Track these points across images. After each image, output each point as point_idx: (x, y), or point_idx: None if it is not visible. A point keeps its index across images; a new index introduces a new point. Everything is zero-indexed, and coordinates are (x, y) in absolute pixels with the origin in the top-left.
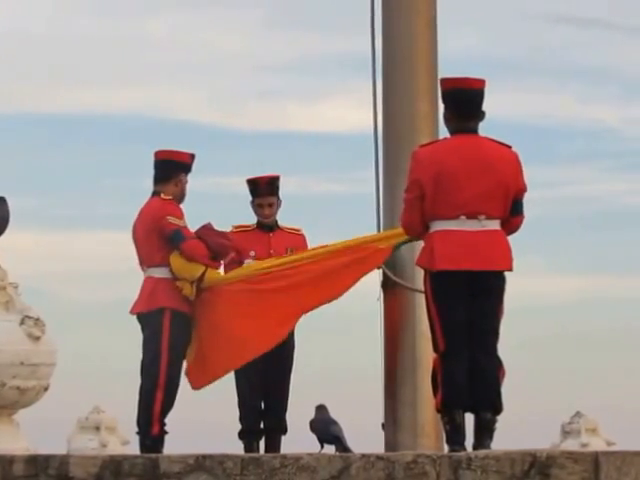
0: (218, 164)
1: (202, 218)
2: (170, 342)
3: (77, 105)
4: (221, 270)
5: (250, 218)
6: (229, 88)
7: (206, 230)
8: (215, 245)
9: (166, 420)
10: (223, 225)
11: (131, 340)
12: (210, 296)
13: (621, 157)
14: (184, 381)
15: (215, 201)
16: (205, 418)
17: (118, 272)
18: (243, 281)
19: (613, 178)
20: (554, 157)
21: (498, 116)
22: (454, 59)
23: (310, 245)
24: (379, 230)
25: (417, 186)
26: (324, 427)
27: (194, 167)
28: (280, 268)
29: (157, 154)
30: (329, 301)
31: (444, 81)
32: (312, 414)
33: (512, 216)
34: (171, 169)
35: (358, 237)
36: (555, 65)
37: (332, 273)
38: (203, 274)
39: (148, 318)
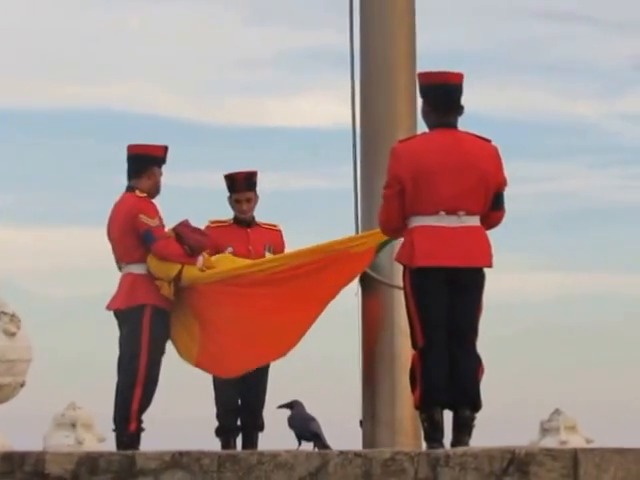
0: (195, 160)
1: (179, 214)
2: (150, 339)
3: (51, 100)
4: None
5: (228, 213)
6: (207, 83)
7: (183, 227)
8: (191, 241)
9: (143, 417)
10: (201, 220)
11: (108, 336)
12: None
13: (602, 153)
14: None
15: (193, 196)
16: (182, 415)
17: (95, 268)
18: (227, 283)
19: (594, 174)
20: (535, 153)
21: (479, 111)
22: (434, 54)
23: (287, 241)
24: (357, 226)
25: (396, 182)
26: (303, 424)
27: (170, 161)
28: (261, 274)
29: (129, 148)
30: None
31: (422, 75)
32: (288, 411)
33: (492, 210)
34: (144, 163)
35: (336, 240)
36: (537, 60)
37: (312, 292)
38: (179, 273)
39: (127, 314)
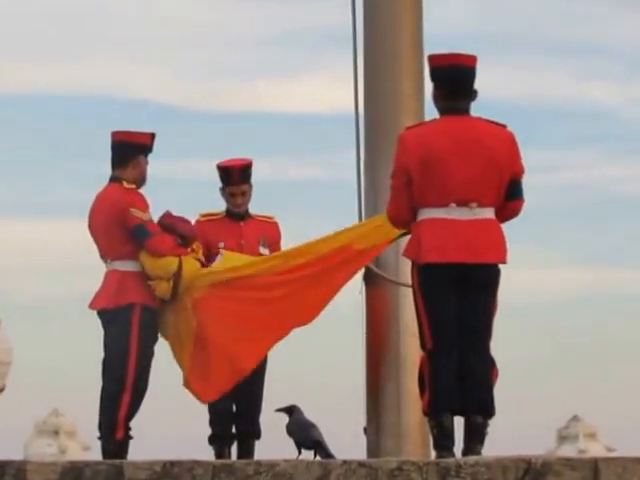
0: (183, 147)
1: (165, 206)
2: (139, 340)
3: (29, 83)
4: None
5: (219, 204)
6: (196, 65)
7: (168, 216)
8: (183, 230)
9: (131, 424)
10: (189, 214)
11: (92, 338)
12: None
13: (620, 141)
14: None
15: (181, 187)
16: (172, 422)
17: (77, 265)
18: (227, 286)
19: (612, 163)
20: (549, 140)
21: (488, 96)
22: (441, 34)
23: (283, 236)
24: (360, 218)
25: (403, 172)
26: (303, 430)
27: (156, 150)
28: (264, 274)
29: (114, 135)
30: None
31: (432, 58)
32: (286, 416)
33: (509, 200)
34: (129, 151)
35: (339, 232)
36: (551, 41)
37: (316, 288)
38: (180, 266)
39: (115, 314)
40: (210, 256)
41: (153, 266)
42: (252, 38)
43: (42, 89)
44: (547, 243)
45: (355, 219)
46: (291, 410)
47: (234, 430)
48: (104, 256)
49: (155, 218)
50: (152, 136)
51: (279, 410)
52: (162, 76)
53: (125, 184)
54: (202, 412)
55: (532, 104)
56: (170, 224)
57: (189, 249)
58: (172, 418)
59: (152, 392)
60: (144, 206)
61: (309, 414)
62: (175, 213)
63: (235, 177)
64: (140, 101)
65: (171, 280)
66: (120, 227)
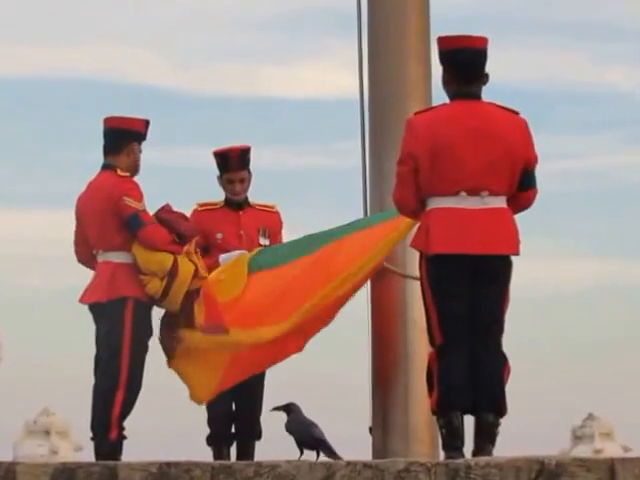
0: (180, 134)
1: (161, 196)
2: (133, 335)
3: (18, 66)
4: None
5: (218, 195)
6: (195, 48)
7: (166, 212)
8: (182, 228)
9: (125, 424)
10: (186, 204)
11: (84, 333)
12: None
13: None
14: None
15: (179, 175)
16: (168, 421)
17: (67, 257)
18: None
19: (630, 149)
20: (563, 126)
21: (499, 80)
22: (449, 15)
23: (285, 225)
24: (366, 207)
25: (411, 158)
26: (304, 429)
27: (151, 137)
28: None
29: (106, 121)
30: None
31: (441, 40)
32: (284, 415)
33: (522, 190)
34: (123, 138)
35: (346, 234)
36: (567, 22)
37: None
38: (175, 265)
39: (107, 308)
40: (208, 247)
41: (146, 260)
42: (253, 21)
43: (38, 73)
44: (561, 233)
45: (360, 209)
46: (289, 408)
47: (233, 430)
48: (94, 247)
49: (152, 211)
50: (146, 123)
51: (276, 409)
52: (160, 60)
53: (119, 172)
54: (200, 410)
55: (546, 88)
56: (168, 220)
57: (185, 248)
58: (168, 417)
59: (147, 389)
60: (139, 196)
61: (311, 413)
62: (174, 208)
63: (233, 163)
64: (137, 86)
65: (165, 279)
66: (114, 216)
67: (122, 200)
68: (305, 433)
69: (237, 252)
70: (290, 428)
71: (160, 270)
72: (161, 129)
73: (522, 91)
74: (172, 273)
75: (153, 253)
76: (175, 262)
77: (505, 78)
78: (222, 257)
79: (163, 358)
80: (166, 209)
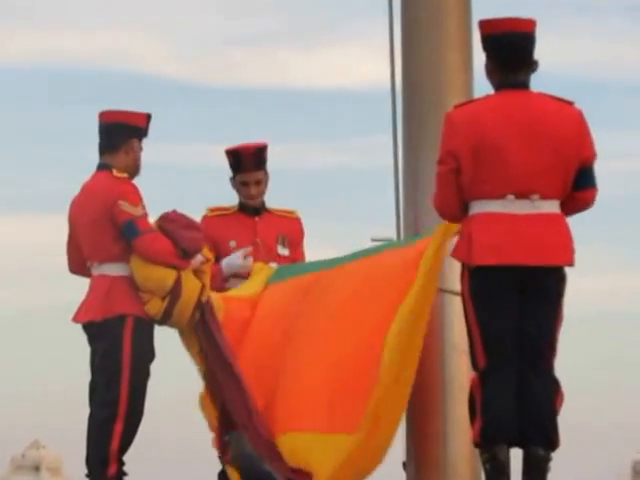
0: (191, 131)
1: (167, 201)
2: (133, 358)
3: (5, 54)
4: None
5: (232, 198)
6: (204, 33)
7: (169, 221)
8: (185, 242)
9: (125, 458)
10: (196, 208)
11: (77, 356)
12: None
13: None
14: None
15: (186, 177)
16: (173, 453)
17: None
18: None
19: None
20: (624, 120)
21: (550, 68)
22: None
23: (306, 233)
24: (397, 210)
25: (451, 157)
26: (253, 463)
27: (157, 132)
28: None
29: (102, 116)
30: None
31: (484, 24)
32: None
33: (578, 190)
34: (121, 134)
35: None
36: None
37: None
38: (178, 283)
39: (103, 328)
40: (219, 257)
41: (144, 276)
42: (271, 1)
43: (26, 61)
44: (620, 242)
45: (392, 217)
46: (231, 437)
47: None
48: (89, 258)
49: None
50: (148, 117)
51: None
52: (168, 47)
53: (115, 172)
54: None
55: (609, 76)
56: (171, 232)
57: (191, 264)
58: (173, 449)
59: (148, 419)
60: (137, 200)
61: None
62: (182, 214)
63: (247, 163)
64: (141, 76)
65: (166, 299)
66: (110, 224)
67: (117, 204)
68: (253, 466)
69: (241, 250)
70: (237, 462)
71: (159, 288)
72: (166, 123)
73: (578, 80)
74: (175, 293)
75: (152, 268)
76: (178, 280)
77: (557, 65)
78: (225, 261)
79: (166, 382)
80: (170, 217)
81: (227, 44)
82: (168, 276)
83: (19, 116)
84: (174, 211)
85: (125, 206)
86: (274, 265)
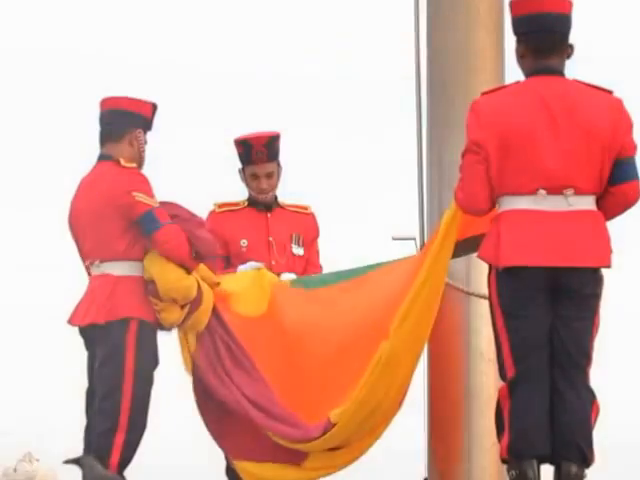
0: (197, 118)
1: (168, 193)
2: (137, 365)
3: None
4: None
5: (241, 192)
6: (216, 20)
7: (184, 220)
8: (199, 242)
9: (125, 473)
10: (202, 204)
11: (74, 362)
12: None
13: None
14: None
15: (192, 166)
16: (178, 460)
17: (56, 266)
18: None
19: None
20: None
21: (589, 53)
22: None
23: (321, 230)
24: (421, 208)
25: (478, 148)
26: None
27: (162, 121)
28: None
29: (104, 103)
30: None
31: (516, 5)
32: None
33: (616, 184)
34: (124, 123)
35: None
36: None
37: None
38: (200, 292)
39: (104, 332)
40: (229, 257)
41: (172, 286)
42: None
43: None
44: None
45: (414, 213)
46: (81, 462)
47: None
48: (90, 256)
49: None
50: (153, 107)
51: (67, 462)
52: (168, 28)
53: (123, 162)
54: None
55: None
56: (187, 232)
57: (197, 263)
58: (176, 465)
59: (152, 430)
60: (151, 191)
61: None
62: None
63: (258, 154)
64: (137, 58)
65: (186, 307)
66: (116, 217)
67: (131, 196)
68: None
69: (257, 264)
70: None
71: (184, 299)
72: (172, 110)
73: (614, 67)
74: (196, 301)
75: (180, 277)
76: (199, 288)
77: (596, 49)
78: (240, 268)
79: (171, 390)
80: (183, 215)
81: (238, 30)
82: (193, 285)
83: None
84: (174, 203)
85: (141, 197)
86: (291, 276)
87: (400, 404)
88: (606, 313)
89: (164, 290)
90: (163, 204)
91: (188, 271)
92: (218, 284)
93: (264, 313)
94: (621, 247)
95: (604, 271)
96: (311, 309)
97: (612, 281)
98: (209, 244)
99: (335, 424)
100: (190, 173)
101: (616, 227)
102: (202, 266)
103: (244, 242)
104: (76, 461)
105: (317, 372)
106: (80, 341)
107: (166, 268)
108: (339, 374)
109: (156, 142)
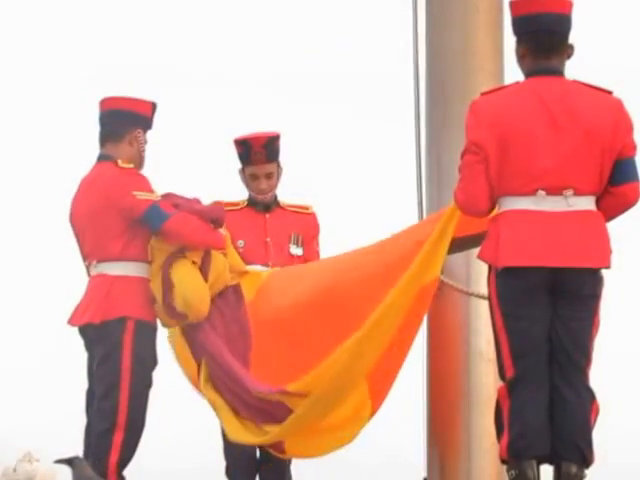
0: (193, 117)
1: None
2: (134, 364)
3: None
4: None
5: (240, 192)
6: (212, 14)
7: (181, 204)
8: (209, 211)
9: (125, 472)
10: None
11: (74, 362)
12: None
13: None
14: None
15: (190, 168)
16: (177, 460)
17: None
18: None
19: None
20: None
21: (589, 54)
22: None
23: (322, 230)
24: (421, 209)
25: (478, 149)
26: None
27: (161, 122)
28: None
29: (103, 103)
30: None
31: (515, 5)
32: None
33: (615, 185)
34: (124, 123)
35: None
36: None
37: None
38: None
39: (102, 331)
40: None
41: (184, 287)
42: None
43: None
44: None
45: (414, 212)
46: (73, 463)
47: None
48: (88, 257)
49: None
50: (153, 107)
51: (59, 461)
52: (159, 27)
53: (121, 163)
54: (218, 457)
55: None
56: (192, 210)
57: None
58: (174, 465)
59: (150, 429)
60: (150, 188)
61: (360, 460)
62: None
63: (257, 154)
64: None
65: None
66: (115, 219)
67: (131, 196)
68: None
69: (259, 267)
70: None
71: (196, 319)
72: (167, 110)
73: (615, 68)
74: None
75: (195, 277)
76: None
77: (597, 50)
78: None
79: (169, 389)
80: (178, 200)
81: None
82: (206, 303)
83: None
84: (173, 194)
85: (142, 195)
86: None
87: (373, 409)
88: (606, 313)
89: (180, 307)
90: (163, 197)
91: (218, 249)
92: (246, 272)
93: (251, 300)
94: (621, 247)
95: (604, 271)
96: (301, 288)
97: (612, 281)
98: (217, 209)
99: (289, 392)
100: (190, 173)
101: (616, 227)
102: (231, 251)
103: (241, 243)
104: (68, 461)
105: (295, 356)
106: (80, 341)
107: (190, 269)
108: (315, 354)
109: (156, 142)
